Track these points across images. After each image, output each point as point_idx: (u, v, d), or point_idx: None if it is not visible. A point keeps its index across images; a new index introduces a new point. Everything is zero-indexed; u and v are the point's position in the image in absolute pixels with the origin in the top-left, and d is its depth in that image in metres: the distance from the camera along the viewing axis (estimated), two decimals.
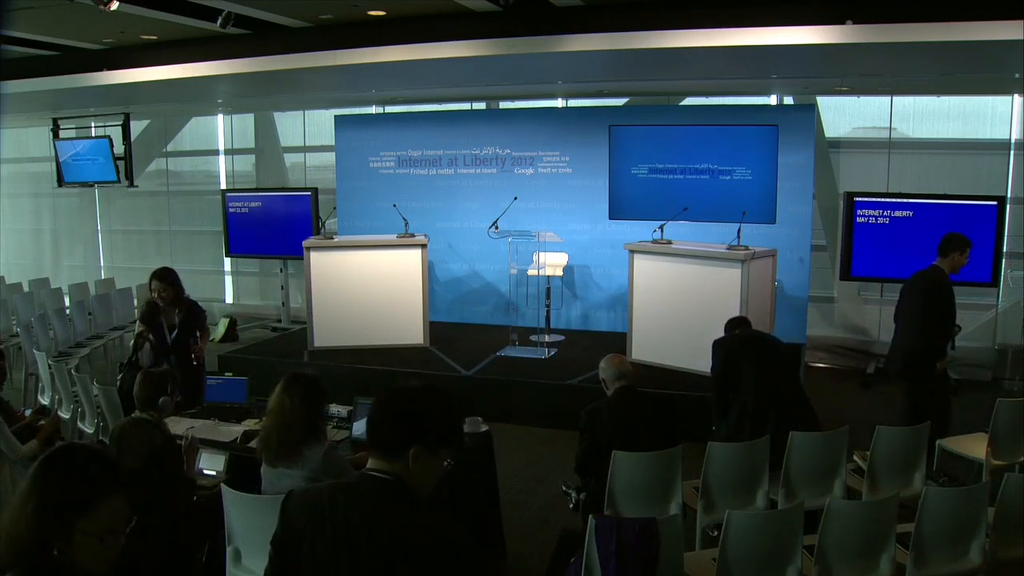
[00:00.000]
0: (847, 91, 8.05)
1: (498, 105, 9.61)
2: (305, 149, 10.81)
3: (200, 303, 5.65)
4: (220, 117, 11.10)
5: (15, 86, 8.23)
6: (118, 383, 5.18)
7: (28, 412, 5.19)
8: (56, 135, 10.76)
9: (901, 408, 5.20)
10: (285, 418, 3.27)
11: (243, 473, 3.75)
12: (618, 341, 7.44)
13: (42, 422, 4.51)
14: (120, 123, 10.37)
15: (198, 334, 5.46)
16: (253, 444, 3.58)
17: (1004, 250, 7.56)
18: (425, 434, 1.87)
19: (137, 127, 11.00)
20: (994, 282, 7.48)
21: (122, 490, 1.75)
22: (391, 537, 1.81)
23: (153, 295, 5.33)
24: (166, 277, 5.32)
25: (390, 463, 1.87)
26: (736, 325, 4.93)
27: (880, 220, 7.76)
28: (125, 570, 1.89)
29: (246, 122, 11.04)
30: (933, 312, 5.07)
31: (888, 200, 7.79)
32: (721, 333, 6.57)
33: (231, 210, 10.14)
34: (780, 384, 4.50)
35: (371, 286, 7.64)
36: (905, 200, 7.72)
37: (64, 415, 5.67)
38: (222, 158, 11.27)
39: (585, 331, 8.72)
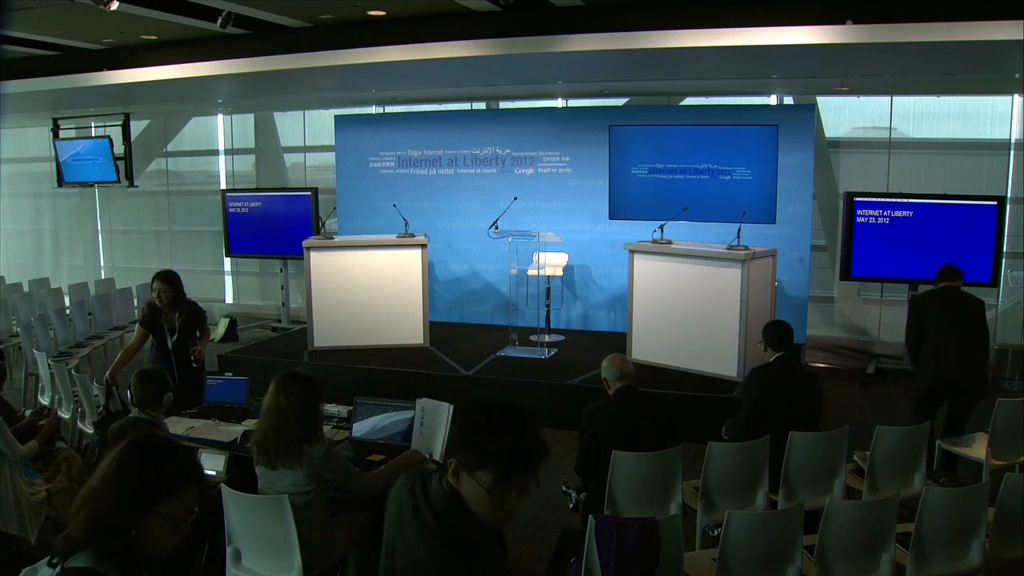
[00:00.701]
0: (847, 91, 8.04)
1: (498, 105, 9.61)
2: (305, 149, 10.81)
3: (200, 303, 5.62)
4: (220, 117, 11.10)
5: (15, 86, 8.23)
6: (93, 430, 4.84)
7: (29, 412, 5.19)
8: (56, 135, 10.76)
9: (957, 422, 5.15)
10: (283, 419, 3.27)
11: (243, 473, 3.75)
12: (618, 341, 7.44)
13: (42, 422, 4.52)
14: (120, 123, 10.38)
15: (198, 334, 5.45)
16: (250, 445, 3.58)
17: (1004, 250, 7.56)
18: (458, 450, 1.82)
19: (137, 127, 11.01)
20: (994, 282, 7.48)
21: (200, 481, 1.88)
22: (419, 539, 1.84)
23: (153, 295, 5.28)
24: (169, 280, 5.25)
25: (449, 476, 1.86)
26: (780, 340, 4.46)
27: (880, 220, 7.76)
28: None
29: (246, 122, 11.04)
30: (987, 328, 5.32)
31: (888, 200, 7.79)
32: (721, 334, 6.67)
33: (231, 210, 10.14)
34: (808, 416, 4.30)
35: (371, 286, 7.64)
36: (905, 200, 7.72)
37: (64, 415, 5.67)
38: (222, 158, 11.27)
39: (585, 331, 8.72)
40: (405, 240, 7.73)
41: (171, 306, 5.24)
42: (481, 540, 1.84)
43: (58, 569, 1.75)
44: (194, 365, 5.26)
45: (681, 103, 8.90)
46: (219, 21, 6.45)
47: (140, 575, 1.82)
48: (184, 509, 1.83)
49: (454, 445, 1.84)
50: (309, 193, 9.75)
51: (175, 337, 5.22)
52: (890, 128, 8.39)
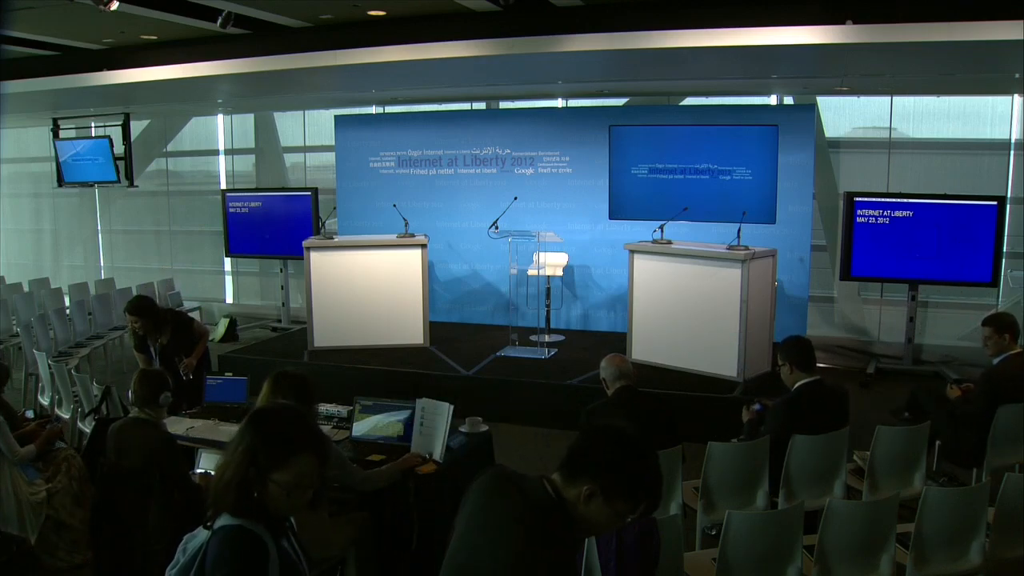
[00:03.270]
0: (847, 91, 8.04)
1: (498, 105, 9.61)
2: (305, 149, 10.81)
3: (200, 303, 5.64)
4: (220, 117, 11.10)
5: (15, 86, 8.23)
6: (89, 434, 4.78)
7: (29, 413, 5.21)
8: (56, 135, 10.76)
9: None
10: None
11: None
12: (618, 341, 7.44)
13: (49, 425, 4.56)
14: (120, 123, 10.38)
15: (194, 339, 5.47)
16: None
17: (1004, 250, 7.56)
18: (602, 477, 1.90)
19: (137, 127, 11.00)
20: (994, 282, 7.48)
21: (316, 451, 1.94)
22: (510, 537, 1.89)
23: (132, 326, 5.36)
24: (137, 311, 5.28)
25: (566, 487, 1.93)
26: (806, 360, 4.09)
27: (880, 220, 7.76)
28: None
29: (246, 122, 11.03)
30: None
31: (888, 200, 7.78)
32: (721, 334, 6.67)
33: (231, 210, 10.14)
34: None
35: (371, 286, 7.64)
36: (905, 200, 7.72)
37: (64, 415, 5.67)
38: (222, 158, 11.27)
39: (585, 331, 8.72)
40: (405, 240, 7.73)
41: (151, 332, 5.31)
42: (576, 548, 1.98)
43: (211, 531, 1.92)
44: (184, 378, 5.28)
45: (681, 103, 8.90)
46: (219, 21, 6.45)
47: (284, 532, 1.96)
48: (300, 476, 1.89)
49: (592, 468, 1.91)
50: (309, 193, 9.75)
51: (157, 359, 5.33)
52: (890, 128, 8.39)
